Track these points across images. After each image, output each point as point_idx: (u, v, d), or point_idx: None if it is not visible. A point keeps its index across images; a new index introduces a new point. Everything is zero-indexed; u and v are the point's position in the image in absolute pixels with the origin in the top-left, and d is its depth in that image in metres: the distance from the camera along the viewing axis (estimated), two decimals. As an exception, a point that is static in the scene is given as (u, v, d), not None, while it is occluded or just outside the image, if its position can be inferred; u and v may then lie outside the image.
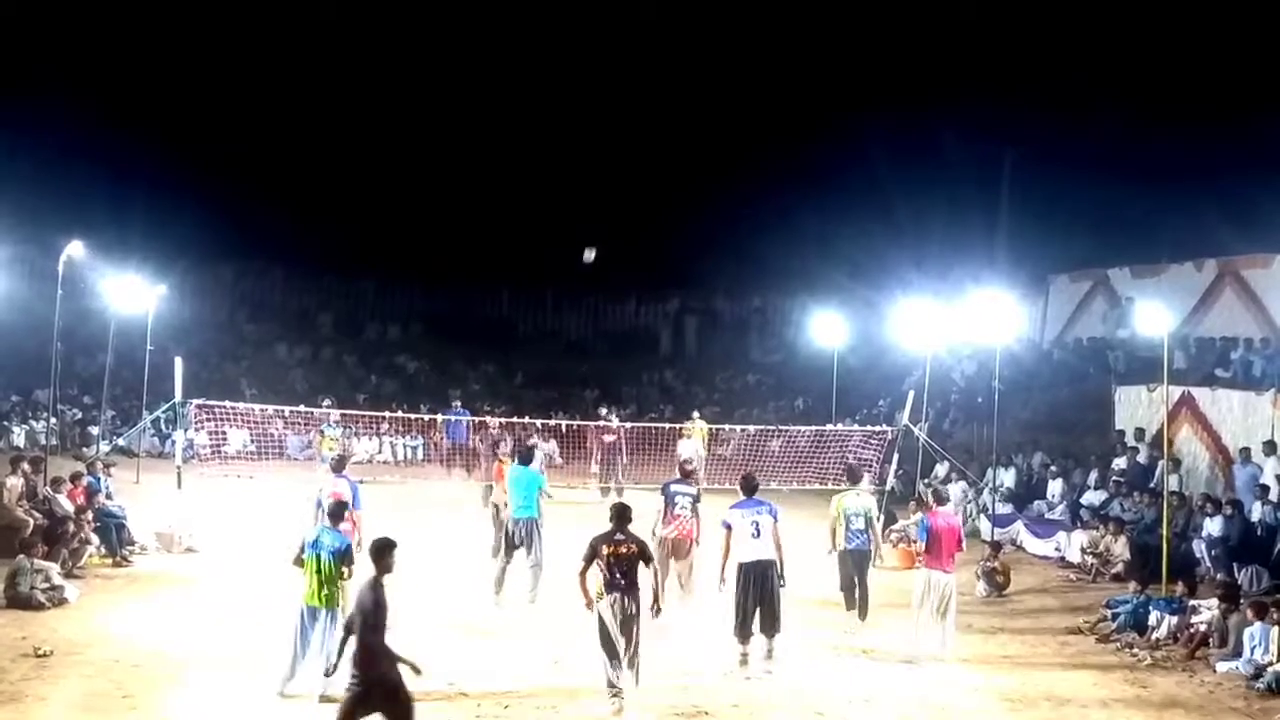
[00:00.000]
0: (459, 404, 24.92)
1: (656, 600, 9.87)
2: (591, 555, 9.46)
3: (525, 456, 13.58)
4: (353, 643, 7.90)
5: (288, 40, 32.09)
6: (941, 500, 12.38)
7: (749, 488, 11.19)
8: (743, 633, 10.71)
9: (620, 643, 9.27)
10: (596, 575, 9.49)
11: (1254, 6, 24.70)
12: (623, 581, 9.33)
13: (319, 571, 9.46)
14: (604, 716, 9.28)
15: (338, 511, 10.11)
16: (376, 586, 7.94)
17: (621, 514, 9.67)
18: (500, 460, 15.57)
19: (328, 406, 23.34)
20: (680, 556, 12.44)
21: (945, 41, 30.53)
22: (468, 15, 33.57)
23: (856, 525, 12.26)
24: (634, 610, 9.36)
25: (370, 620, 7.78)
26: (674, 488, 12.64)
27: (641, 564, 9.50)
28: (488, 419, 23.12)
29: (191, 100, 32.24)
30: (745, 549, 10.68)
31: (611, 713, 9.27)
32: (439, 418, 24.23)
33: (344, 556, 9.49)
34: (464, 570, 14.18)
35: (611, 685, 9.30)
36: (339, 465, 13.29)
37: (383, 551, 8.15)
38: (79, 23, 30.80)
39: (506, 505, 13.45)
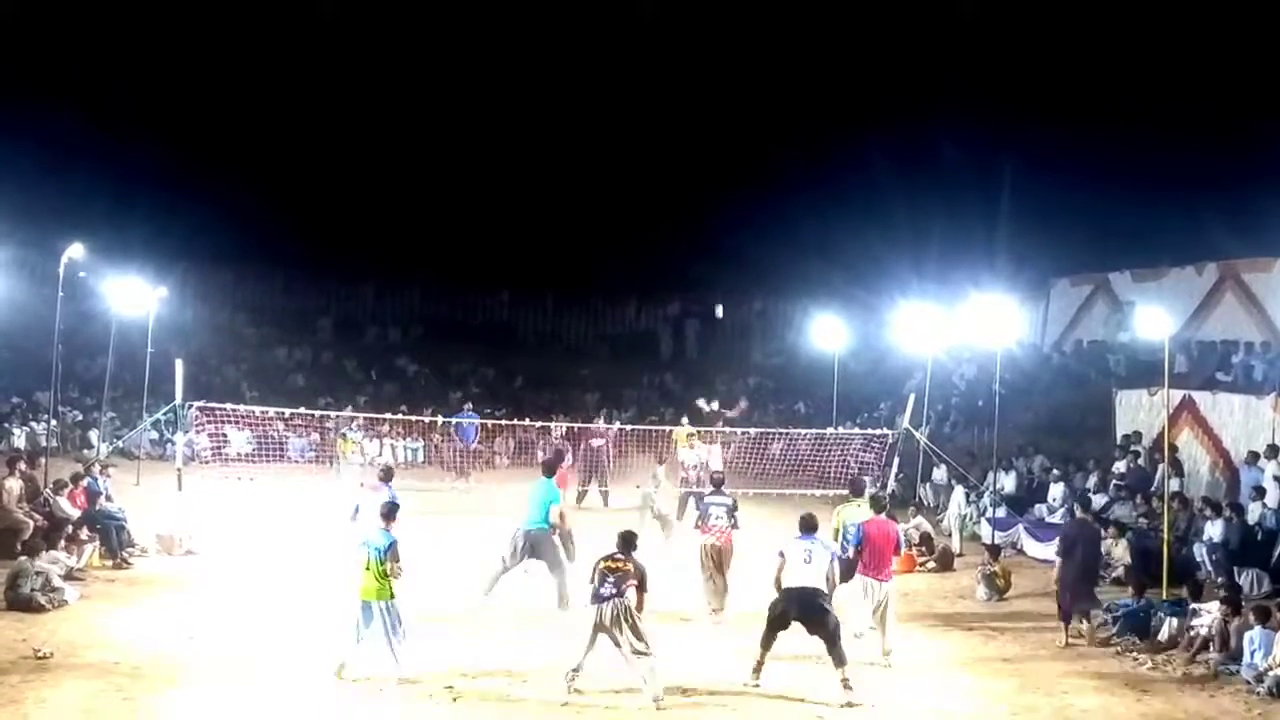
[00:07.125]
0: (469, 406, 25.01)
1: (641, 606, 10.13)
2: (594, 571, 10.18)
3: None
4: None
5: (289, 43, 32.14)
6: (880, 507, 12.18)
7: (808, 527, 10.86)
8: (767, 639, 10.36)
9: (590, 649, 9.90)
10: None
11: (1252, 12, 24.75)
12: (612, 591, 9.88)
13: (369, 568, 10.15)
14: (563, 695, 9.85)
15: (389, 513, 10.64)
16: None
17: (627, 540, 10.28)
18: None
19: (350, 411, 23.55)
20: (719, 564, 12.85)
21: (946, 48, 30.61)
22: (469, 19, 33.64)
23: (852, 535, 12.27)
24: (620, 612, 9.84)
25: None
26: (707, 499, 13.28)
27: (633, 583, 9.95)
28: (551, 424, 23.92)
29: (192, 103, 32.30)
30: (794, 574, 10.40)
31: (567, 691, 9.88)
32: (452, 420, 24.12)
33: (389, 553, 10.14)
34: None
35: (571, 673, 9.91)
36: (387, 476, 13.74)
37: None
38: (80, 25, 30.85)
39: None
